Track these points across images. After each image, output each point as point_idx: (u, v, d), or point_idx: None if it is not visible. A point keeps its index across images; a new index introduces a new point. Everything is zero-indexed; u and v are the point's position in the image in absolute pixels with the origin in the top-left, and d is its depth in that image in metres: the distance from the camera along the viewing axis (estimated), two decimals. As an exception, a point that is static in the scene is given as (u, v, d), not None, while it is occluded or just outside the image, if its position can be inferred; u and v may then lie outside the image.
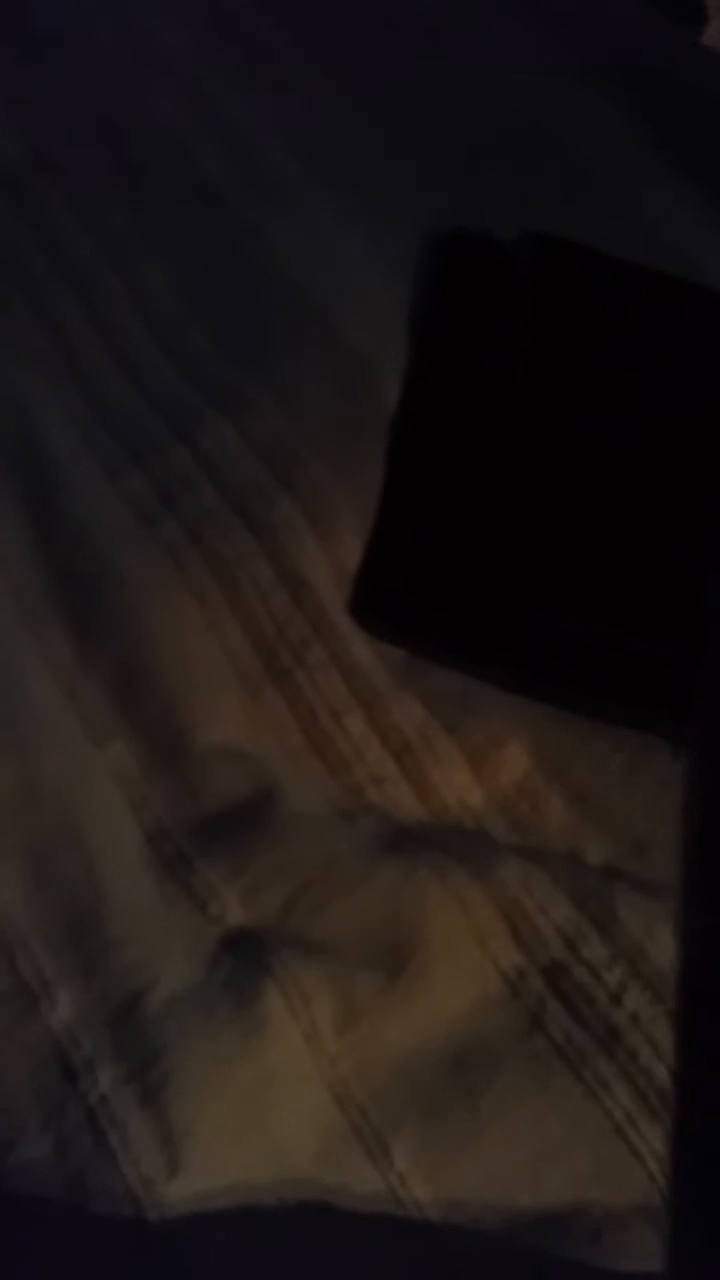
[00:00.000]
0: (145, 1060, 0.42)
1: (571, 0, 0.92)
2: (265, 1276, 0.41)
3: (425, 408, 0.63)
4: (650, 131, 0.77)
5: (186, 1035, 0.42)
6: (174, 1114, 0.41)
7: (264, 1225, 0.41)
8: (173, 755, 0.49)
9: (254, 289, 0.66)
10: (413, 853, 0.49)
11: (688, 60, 0.87)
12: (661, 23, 0.92)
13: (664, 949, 0.47)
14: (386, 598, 0.57)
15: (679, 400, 0.63)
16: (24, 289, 0.63)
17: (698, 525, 0.58)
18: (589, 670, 0.56)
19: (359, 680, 0.54)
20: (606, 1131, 0.44)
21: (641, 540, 0.58)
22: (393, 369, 0.63)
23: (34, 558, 0.53)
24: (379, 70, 0.80)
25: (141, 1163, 0.40)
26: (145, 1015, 0.43)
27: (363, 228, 0.69)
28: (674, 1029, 0.43)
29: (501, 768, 0.53)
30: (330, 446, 0.59)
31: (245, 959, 0.44)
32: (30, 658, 0.51)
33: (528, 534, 0.58)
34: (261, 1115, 0.42)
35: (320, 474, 0.58)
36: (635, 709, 0.56)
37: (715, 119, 0.81)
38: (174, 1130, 0.41)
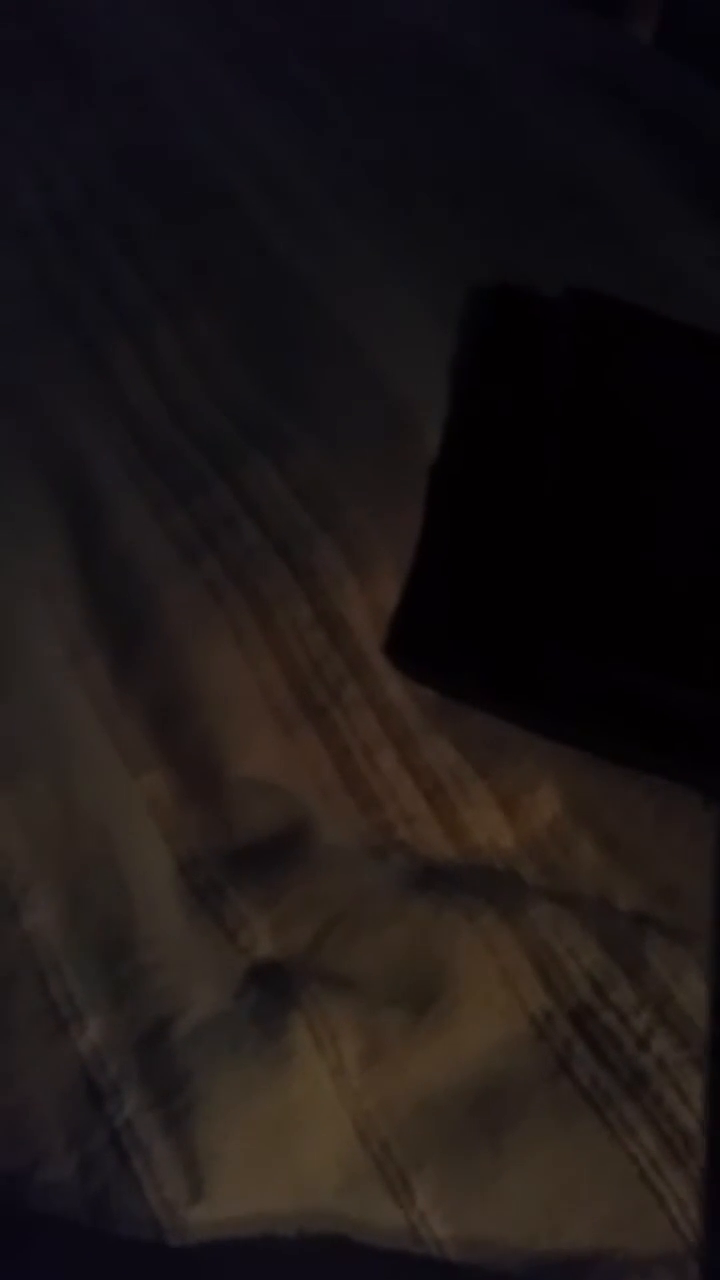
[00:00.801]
0: (171, 1086, 0.42)
1: (603, 55, 0.95)
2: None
3: (465, 456, 0.65)
4: (684, 184, 0.80)
5: (213, 1063, 0.43)
6: (198, 1141, 0.41)
7: (283, 1256, 0.42)
8: (207, 787, 0.51)
9: (300, 336, 0.68)
10: (442, 892, 0.49)
11: (716, 113, 0.90)
12: (692, 76, 0.94)
13: (692, 995, 0.48)
14: (422, 639, 0.58)
15: (715, 452, 0.65)
16: (77, 331, 0.66)
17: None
18: (620, 717, 0.57)
19: (393, 720, 0.55)
20: (630, 1177, 0.44)
21: (675, 589, 0.59)
22: (434, 417, 0.65)
23: (78, 589, 0.55)
24: (425, 124, 0.83)
25: (164, 1188, 0.41)
26: (172, 1042, 0.43)
27: (408, 279, 0.72)
28: (703, 1074, 0.43)
29: (533, 811, 0.54)
30: (370, 491, 0.61)
31: (273, 990, 0.45)
32: (71, 687, 0.52)
33: (562, 581, 0.59)
34: (285, 1146, 0.42)
35: (360, 517, 0.59)
36: (666, 757, 0.56)
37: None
38: (197, 1157, 0.41)
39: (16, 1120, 0.42)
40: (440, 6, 0.96)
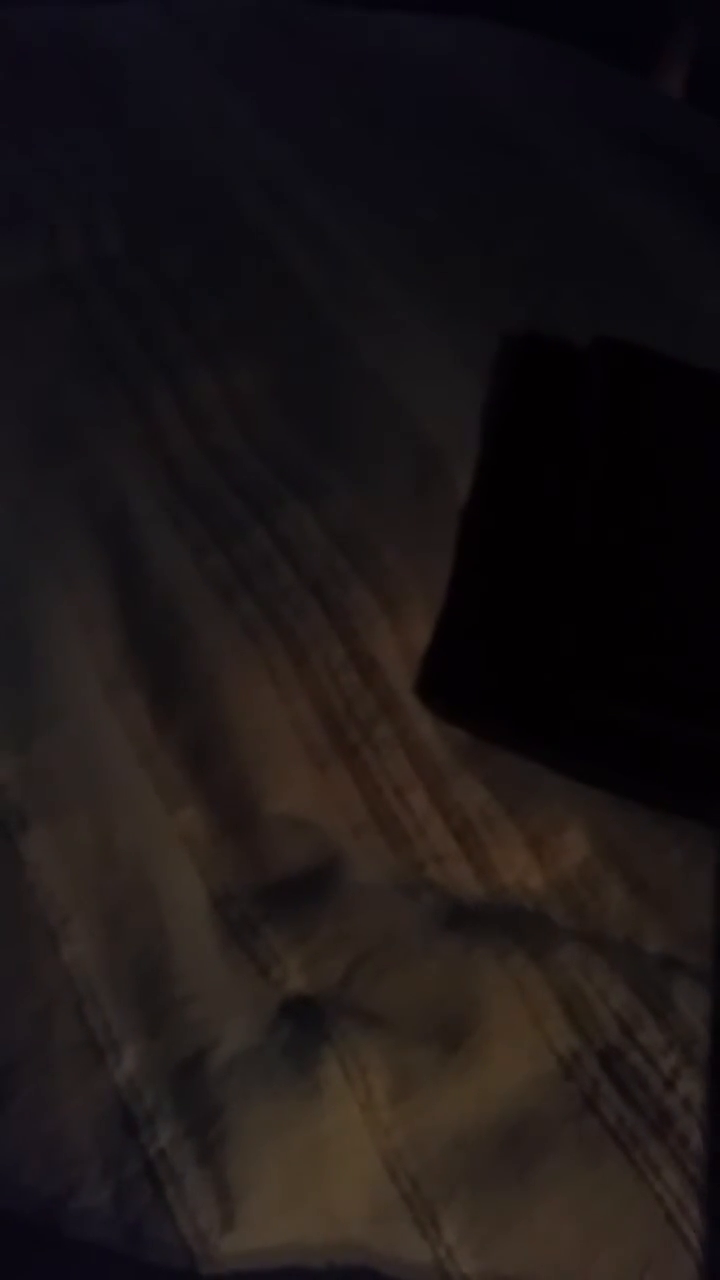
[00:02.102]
0: (205, 1117, 0.43)
1: (635, 109, 0.97)
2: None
3: (495, 501, 0.66)
4: (716, 235, 0.82)
5: (246, 1096, 0.44)
6: (231, 1171, 0.42)
7: (312, 1290, 0.42)
8: (242, 823, 0.52)
9: (336, 384, 0.70)
10: (471, 931, 0.50)
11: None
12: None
13: None
14: (453, 680, 0.59)
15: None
16: (121, 379, 0.68)
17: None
18: (650, 760, 0.58)
19: (423, 759, 0.56)
20: (657, 1217, 0.44)
21: (706, 636, 0.60)
22: (466, 463, 0.67)
23: (118, 628, 0.57)
24: (458, 175, 0.85)
25: (198, 1217, 0.41)
26: (206, 1073, 0.44)
27: (442, 328, 0.74)
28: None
29: (561, 852, 0.54)
30: (403, 534, 0.62)
31: (304, 1025, 0.46)
32: (110, 723, 0.54)
33: (592, 624, 0.60)
34: (315, 1179, 0.43)
35: (393, 560, 0.61)
36: (695, 801, 0.57)
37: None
38: (230, 1187, 0.42)
39: (54, 1147, 0.43)
40: (474, 61, 0.99)
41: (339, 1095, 0.45)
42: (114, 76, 0.90)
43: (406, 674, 0.58)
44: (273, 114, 0.88)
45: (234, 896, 0.50)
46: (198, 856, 0.51)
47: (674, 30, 1.16)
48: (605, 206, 0.86)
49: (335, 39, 0.97)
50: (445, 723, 0.58)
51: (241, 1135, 0.43)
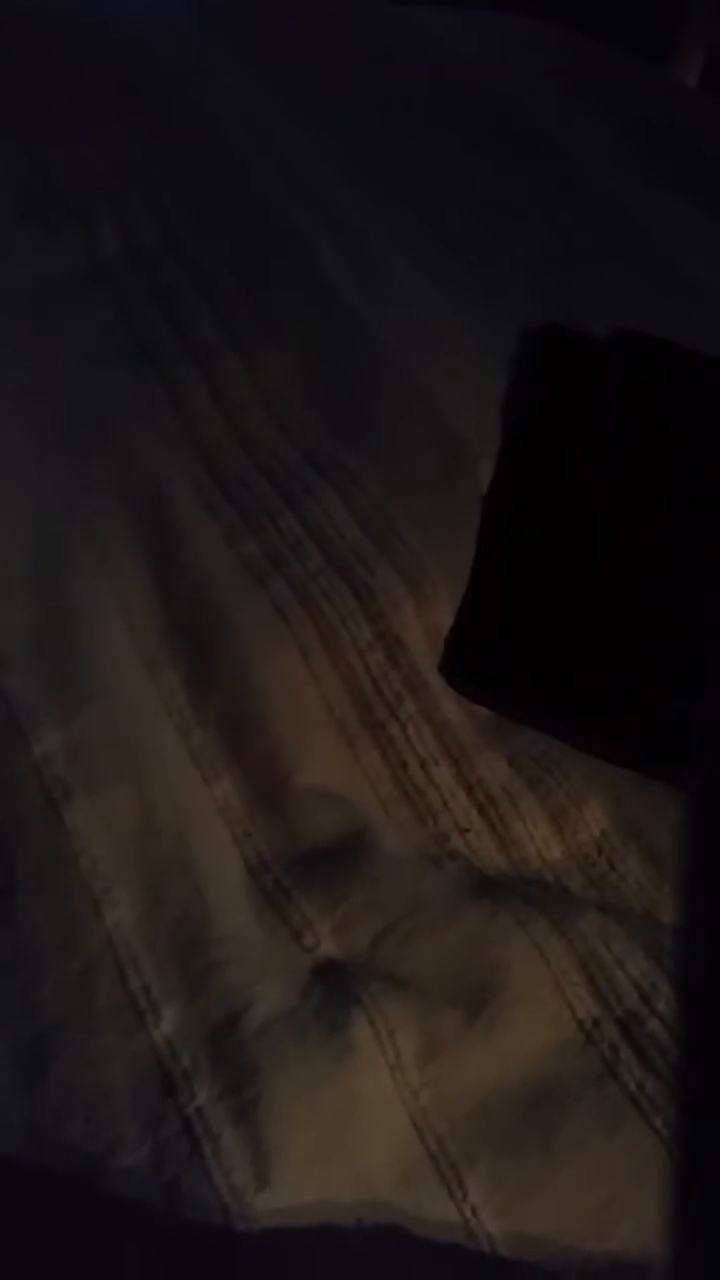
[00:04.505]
0: (240, 1078, 0.42)
1: (652, 100, 0.96)
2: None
3: (516, 487, 0.65)
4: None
5: (279, 1056, 0.43)
6: (265, 1130, 0.41)
7: (342, 1244, 0.42)
8: (275, 795, 0.51)
9: (362, 374, 0.69)
10: (495, 900, 0.49)
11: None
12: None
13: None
14: (476, 660, 0.58)
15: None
16: (154, 367, 0.67)
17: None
18: (667, 738, 0.57)
19: (448, 736, 0.55)
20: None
21: None
22: (488, 450, 0.66)
23: (155, 609, 0.56)
24: (480, 169, 0.84)
25: (233, 1174, 0.41)
26: (242, 1035, 0.43)
27: (465, 319, 0.72)
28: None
29: (581, 826, 0.54)
30: (428, 519, 0.61)
31: (336, 988, 0.45)
32: (149, 699, 0.53)
33: (611, 606, 0.59)
34: (346, 1138, 0.42)
35: (418, 544, 0.60)
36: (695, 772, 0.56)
37: None
38: (264, 1145, 0.41)
39: (95, 1106, 0.42)
40: (495, 55, 0.97)
41: (369, 1056, 0.44)
42: (142, 71, 0.89)
43: (431, 653, 0.57)
44: (302, 111, 0.86)
45: (268, 865, 0.49)
46: (233, 827, 0.50)
47: (690, 20, 1.14)
48: (623, 199, 0.84)
49: (361, 34, 0.96)
50: (468, 701, 0.57)
51: (275, 1095, 0.42)
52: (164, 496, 0.60)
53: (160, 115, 0.85)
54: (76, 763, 0.49)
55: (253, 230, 0.76)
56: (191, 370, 0.67)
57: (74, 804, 0.48)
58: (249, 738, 0.52)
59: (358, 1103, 0.43)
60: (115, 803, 0.48)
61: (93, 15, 0.93)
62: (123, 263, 0.72)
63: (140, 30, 0.93)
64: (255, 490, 0.61)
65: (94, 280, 0.71)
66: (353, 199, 0.80)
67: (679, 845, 0.45)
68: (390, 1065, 0.44)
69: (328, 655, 0.55)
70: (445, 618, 0.59)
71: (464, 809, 0.53)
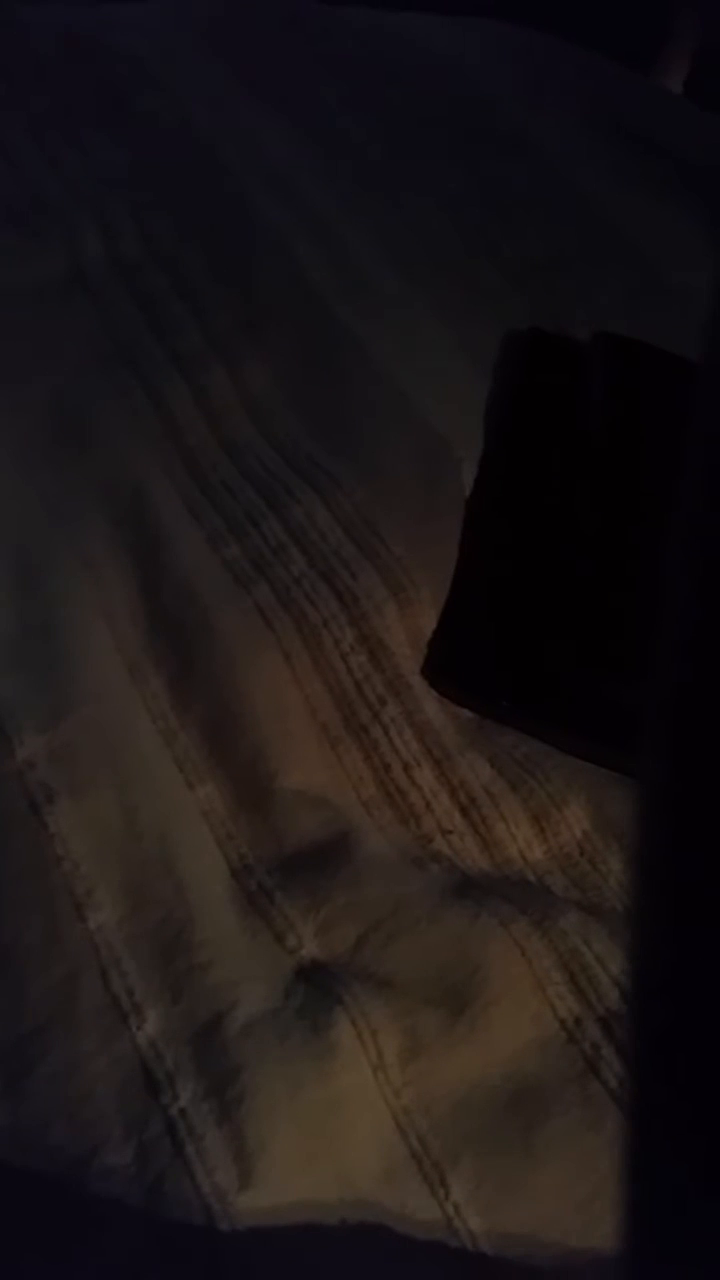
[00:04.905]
0: (224, 1078, 0.43)
1: (636, 106, 0.96)
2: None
3: (499, 491, 0.66)
4: (715, 233, 0.81)
5: (262, 1057, 0.43)
6: (248, 1130, 0.42)
7: (325, 1244, 0.42)
8: (258, 798, 0.51)
9: (346, 378, 0.69)
10: (477, 900, 0.50)
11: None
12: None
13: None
14: (458, 663, 0.59)
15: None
16: (139, 375, 0.67)
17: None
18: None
19: (430, 738, 0.55)
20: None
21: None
22: (470, 454, 0.66)
23: (139, 613, 0.56)
24: (464, 174, 0.84)
25: (216, 1174, 0.41)
26: (225, 1036, 0.44)
27: (447, 323, 0.73)
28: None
29: (563, 826, 0.54)
30: (410, 523, 0.62)
31: (318, 989, 0.45)
32: (132, 704, 0.53)
33: (591, 609, 0.59)
34: (329, 1137, 0.43)
35: (401, 547, 0.60)
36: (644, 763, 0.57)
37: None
38: (247, 1145, 0.41)
39: (79, 1108, 0.42)
40: (479, 61, 0.98)
41: (351, 1056, 0.44)
42: (127, 78, 0.89)
43: (414, 657, 0.58)
44: (284, 115, 0.87)
45: (251, 868, 0.49)
46: (216, 830, 0.50)
47: (674, 27, 1.14)
48: (606, 206, 0.85)
49: (345, 40, 0.96)
50: (450, 703, 0.57)
51: (258, 1095, 0.42)
52: (147, 501, 0.61)
53: (145, 122, 0.85)
54: (59, 767, 0.50)
55: (236, 235, 0.76)
56: (174, 375, 0.67)
57: (57, 808, 0.49)
58: (232, 741, 0.52)
59: (340, 1103, 0.43)
60: (98, 806, 0.49)
61: (81, 26, 0.93)
62: (105, 268, 0.73)
63: (127, 39, 0.93)
64: (238, 495, 0.62)
65: (75, 286, 0.71)
66: (336, 204, 0.80)
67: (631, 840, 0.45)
68: (372, 1065, 0.44)
69: (311, 658, 0.56)
70: (428, 620, 0.59)
71: (447, 810, 0.53)
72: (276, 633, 0.56)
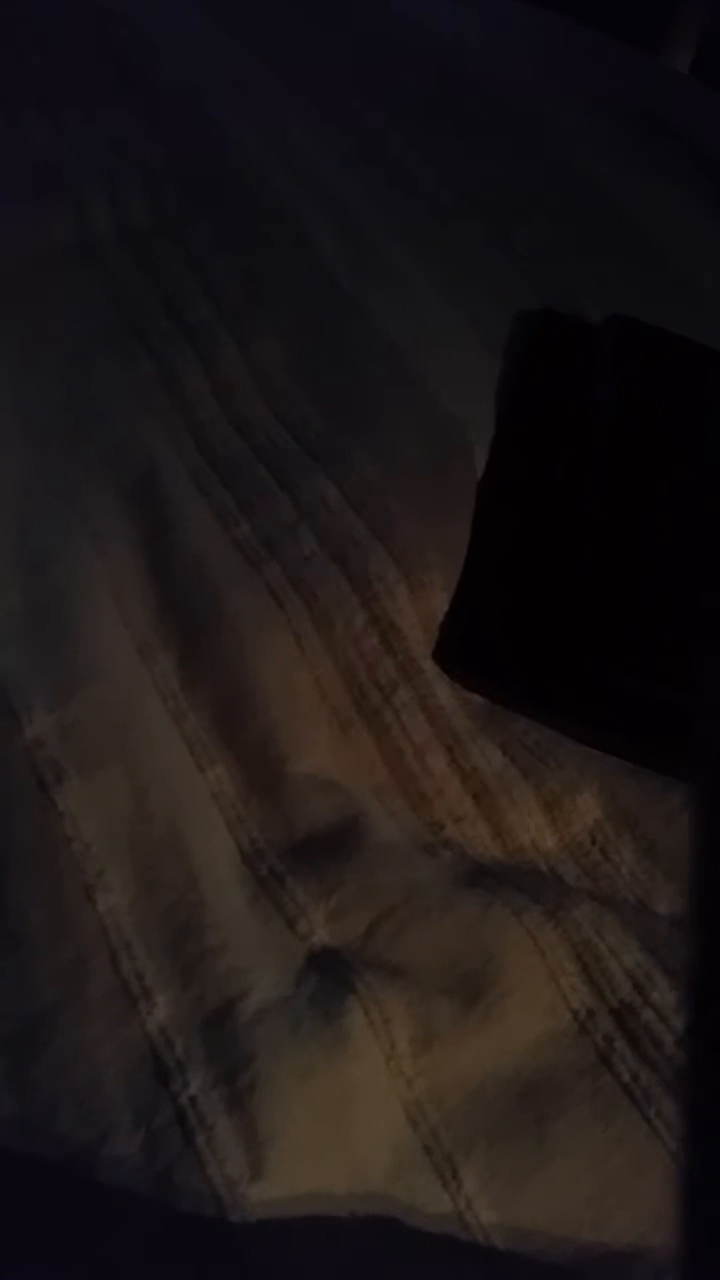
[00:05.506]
0: (234, 1066, 0.42)
1: (643, 87, 0.95)
2: (334, 1287, 0.41)
3: (512, 473, 0.65)
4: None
5: (274, 1045, 0.42)
6: (260, 1119, 0.41)
7: (336, 1237, 0.41)
8: (268, 782, 0.50)
9: (357, 357, 0.68)
10: (490, 889, 0.49)
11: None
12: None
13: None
14: (471, 647, 0.58)
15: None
16: (148, 348, 0.66)
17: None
18: (661, 727, 0.56)
19: (442, 723, 0.54)
20: (671, 1174, 0.43)
21: (710, 605, 0.58)
22: (483, 435, 0.65)
23: (148, 592, 0.55)
24: (475, 155, 0.83)
25: (227, 1164, 0.40)
26: (236, 1023, 0.43)
27: (459, 303, 0.72)
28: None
29: (575, 815, 0.53)
30: (423, 504, 0.60)
31: (330, 976, 0.45)
32: (142, 683, 0.52)
33: (605, 595, 0.58)
34: (340, 1128, 0.42)
35: (412, 529, 0.59)
36: (707, 769, 0.56)
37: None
38: (259, 1135, 0.40)
39: (86, 1095, 0.41)
40: (487, 40, 0.96)
41: (364, 1045, 0.43)
42: (136, 47, 0.87)
43: (426, 640, 0.57)
44: (294, 89, 0.85)
45: (262, 852, 0.48)
46: (227, 813, 0.49)
47: (681, 8, 1.13)
48: (613, 186, 0.84)
49: (355, 16, 0.94)
50: (462, 688, 0.56)
51: (270, 1084, 0.41)
52: (155, 479, 0.59)
53: (152, 93, 0.84)
54: (69, 745, 0.48)
55: (246, 209, 0.75)
56: (184, 350, 0.66)
57: (66, 787, 0.47)
58: (242, 723, 0.51)
59: (352, 1092, 0.42)
60: (108, 786, 0.48)
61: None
62: (113, 240, 0.71)
63: (136, 10, 0.91)
64: (248, 473, 0.60)
65: (84, 257, 0.70)
66: (347, 180, 0.79)
67: (690, 840, 0.44)
68: (385, 1055, 0.43)
69: (322, 640, 0.55)
70: (440, 603, 0.58)
71: (458, 797, 0.52)
72: (287, 614, 0.55)
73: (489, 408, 0.67)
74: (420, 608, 0.57)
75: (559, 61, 0.96)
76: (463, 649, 0.57)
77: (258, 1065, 0.42)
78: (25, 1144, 0.40)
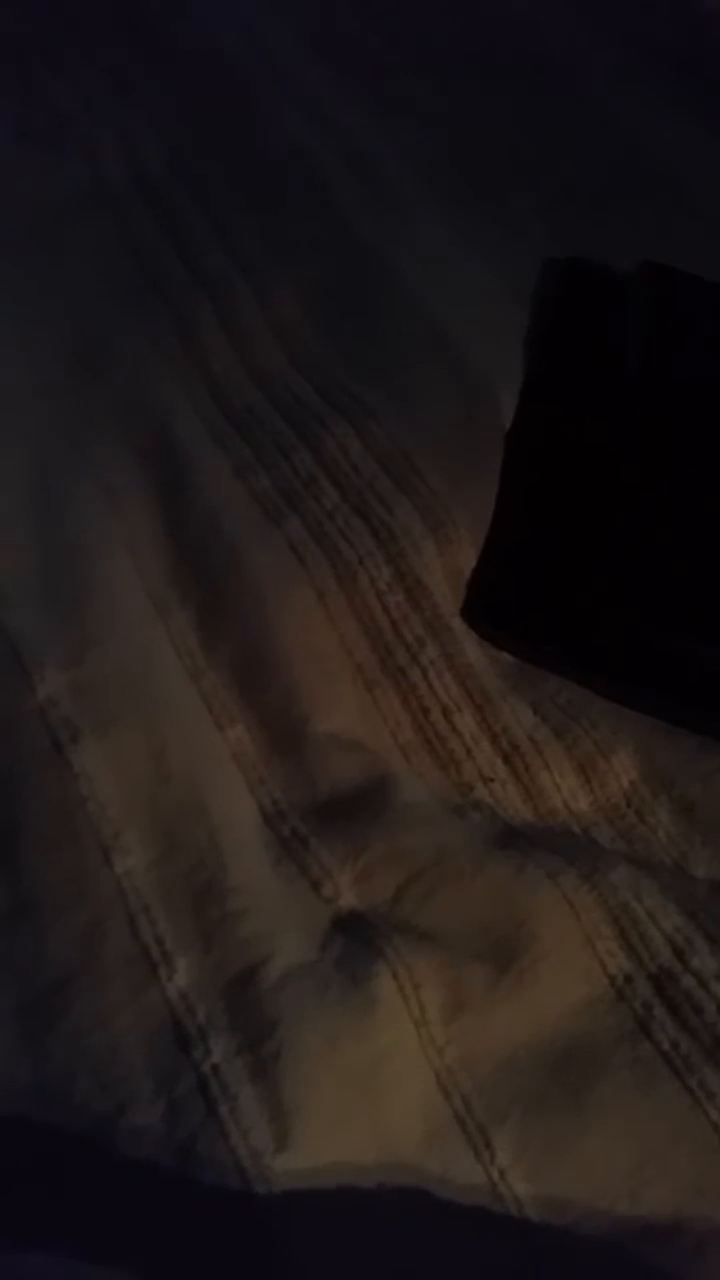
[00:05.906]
0: (259, 1033, 0.40)
1: (674, 28, 0.91)
2: (363, 1260, 0.39)
3: (540, 424, 0.62)
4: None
5: (299, 1011, 0.41)
6: (285, 1088, 0.39)
7: (365, 1209, 0.39)
8: (290, 741, 0.48)
9: (378, 306, 0.65)
10: (522, 851, 0.47)
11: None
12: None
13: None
14: (500, 604, 0.55)
15: None
16: (163, 297, 0.63)
17: None
18: (698, 686, 0.54)
19: (471, 682, 0.52)
20: (712, 1145, 0.41)
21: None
22: (509, 386, 0.62)
23: (164, 546, 0.53)
24: (502, 103, 0.80)
25: (251, 1135, 0.39)
26: (260, 988, 0.41)
27: (483, 253, 0.69)
28: None
29: (609, 776, 0.51)
30: (448, 456, 0.58)
31: (357, 940, 0.43)
32: (158, 641, 0.50)
33: (638, 551, 0.56)
34: (369, 1096, 0.40)
35: (438, 482, 0.57)
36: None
37: None
38: (284, 1104, 0.39)
39: (105, 1064, 0.40)
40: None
41: (393, 1011, 0.42)
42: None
43: (453, 596, 0.55)
44: (309, 35, 0.82)
45: (284, 813, 0.46)
46: (248, 773, 0.47)
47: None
48: (643, 133, 0.81)
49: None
50: (491, 646, 0.54)
51: (295, 1051, 0.40)
52: (170, 431, 0.57)
53: (163, 41, 0.81)
54: (83, 704, 0.47)
55: (261, 156, 0.72)
56: (200, 299, 0.64)
57: (81, 746, 0.46)
58: (263, 682, 0.50)
59: (381, 1060, 0.41)
60: (125, 746, 0.46)
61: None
62: (126, 186, 0.69)
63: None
64: (267, 424, 0.58)
65: (97, 205, 0.68)
66: (366, 127, 0.76)
67: None
68: (415, 1021, 0.42)
69: (345, 597, 0.53)
70: (468, 559, 0.56)
71: (488, 758, 0.51)
72: (309, 569, 0.53)
73: (515, 357, 0.64)
74: (448, 563, 0.55)
75: (587, 3, 0.93)
76: (491, 606, 0.55)
77: (282, 1032, 0.40)
78: (42, 1114, 0.39)
